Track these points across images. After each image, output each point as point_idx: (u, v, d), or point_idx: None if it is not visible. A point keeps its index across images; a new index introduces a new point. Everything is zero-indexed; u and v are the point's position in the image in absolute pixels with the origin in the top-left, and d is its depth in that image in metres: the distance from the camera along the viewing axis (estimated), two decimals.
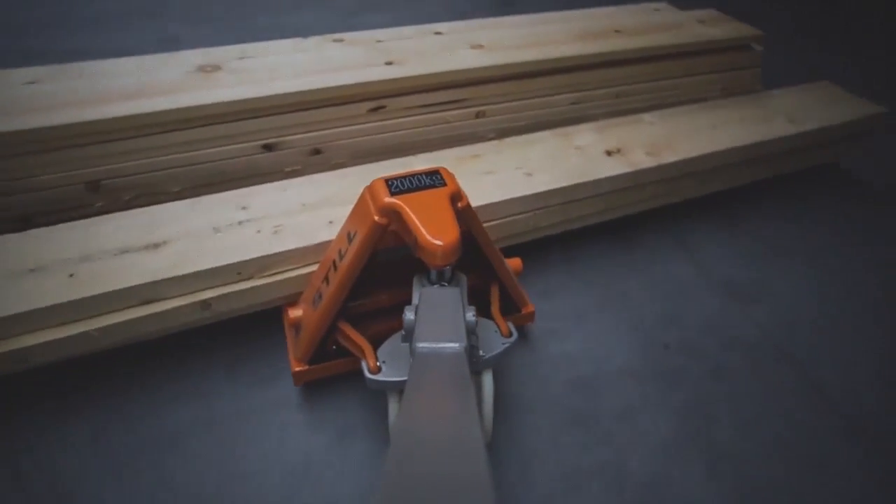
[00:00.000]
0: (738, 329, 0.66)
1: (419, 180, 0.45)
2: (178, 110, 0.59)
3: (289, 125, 0.65)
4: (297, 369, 0.54)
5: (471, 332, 0.42)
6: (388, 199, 0.43)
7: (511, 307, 0.60)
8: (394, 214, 0.43)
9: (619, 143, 0.75)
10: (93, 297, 0.50)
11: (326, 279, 0.50)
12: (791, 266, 0.75)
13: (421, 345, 0.38)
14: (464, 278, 0.46)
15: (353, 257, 0.46)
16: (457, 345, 0.38)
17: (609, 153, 0.73)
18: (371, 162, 0.68)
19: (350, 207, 0.60)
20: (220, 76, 0.67)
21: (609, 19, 0.87)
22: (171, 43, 1.25)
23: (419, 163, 0.68)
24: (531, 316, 0.62)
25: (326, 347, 0.53)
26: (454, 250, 0.40)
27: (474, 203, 0.60)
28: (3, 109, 0.63)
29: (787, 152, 0.83)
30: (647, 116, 0.82)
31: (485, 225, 0.61)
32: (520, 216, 0.66)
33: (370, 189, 0.45)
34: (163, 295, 0.53)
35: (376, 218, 0.43)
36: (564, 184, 0.67)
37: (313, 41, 0.81)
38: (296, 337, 0.56)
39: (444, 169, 0.47)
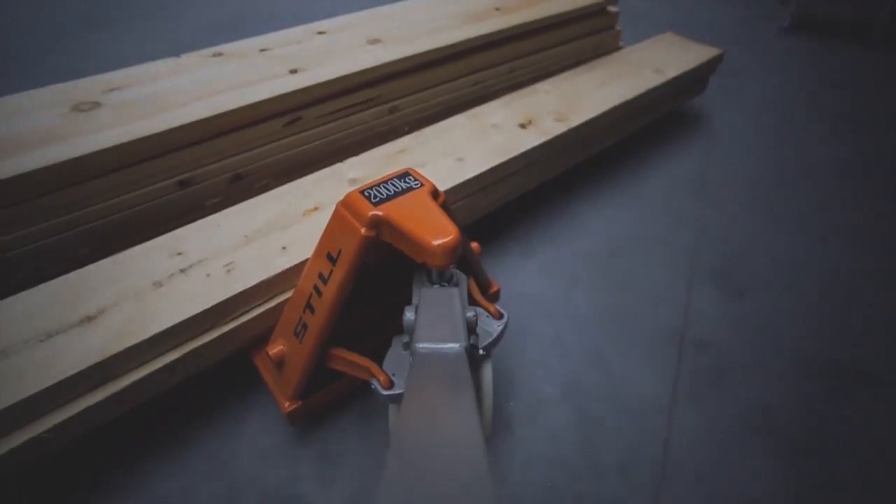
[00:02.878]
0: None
1: (395, 185, 0.44)
2: (72, 161, 0.51)
3: (203, 155, 0.59)
4: (291, 408, 0.51)
5: (471, 331, 0.42)
6: (374, 211, 0.42)
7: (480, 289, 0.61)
8: (383, 224, 0.42)
9: (528, 115, 0.79)
10: (31, 398, 0.42)
11: (309, 307, 0.47)
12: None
13: (421, 345, 0.38)
14: (464, 278, 0.47)
15: (343, 277, 0.44)
16: (457, 345, 0.38)
17: (523, 126, 0.77)
18: (297, 178, 0.64)
19: (298, 229, 0.57)
20: (102, 113, 0.58)
21: None
22: None
23: (351, 168, 0.66)
24: (497, 294, 0.64)
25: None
26: (457, 248, 0.40)
27: None
28: None
29: (655, 101, 0.94)
30: (541, 86, 0.87)
31: None
32: (463, 201, 0.67)
33: (346, 204, 0.43)
34: (117, 372, 0.46)
35: (364, 231, 0.42)
36: (494, 163, 0.69)
37: (189, 59, 0.73)
38: (279, 375, 0.52)
39: (413, 168, 0.47)
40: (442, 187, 0.63)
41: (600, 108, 0.81)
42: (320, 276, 0.46)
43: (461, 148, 0.71)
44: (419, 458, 0.27)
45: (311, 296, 0.47)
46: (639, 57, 0.99)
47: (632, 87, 0.88)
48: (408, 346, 0.45)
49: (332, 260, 0.44)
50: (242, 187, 0.64)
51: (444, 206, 0.46)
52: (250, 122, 0.61)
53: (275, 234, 0.57)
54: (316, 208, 0.60)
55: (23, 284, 0.51)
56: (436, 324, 0.40)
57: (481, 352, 0.48)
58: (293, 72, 0.66)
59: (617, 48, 1.03)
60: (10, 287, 0.52)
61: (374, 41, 0.75)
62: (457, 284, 0.44)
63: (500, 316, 0.51)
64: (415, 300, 0.44)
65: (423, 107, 0.78)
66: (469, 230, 0.68)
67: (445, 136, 0.74)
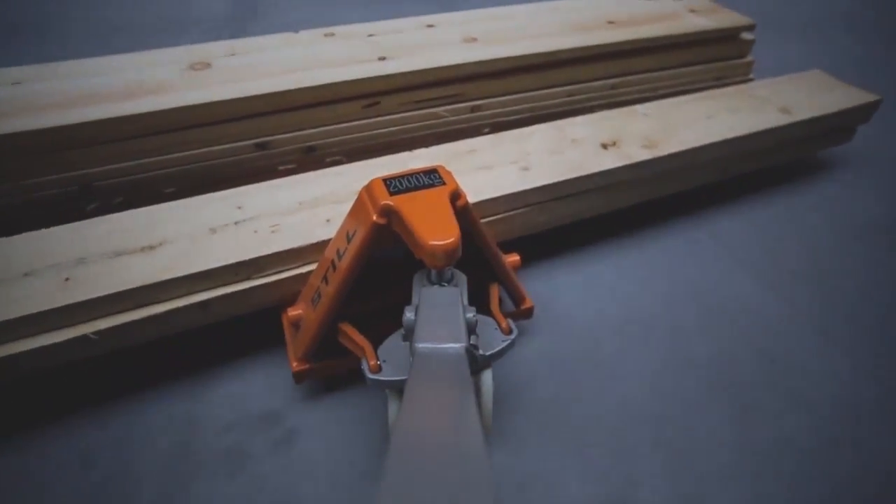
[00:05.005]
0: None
1: (418, 179, 0.45)
2: (169, 111, 0.58)
3: (281, 124, 0.65)
4: (298, 369, 0.54)
5: (471, 331, 0.42)
6: (387, 200, 0.43)
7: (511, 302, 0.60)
8: (393, 215, 0.43)
9: (615, 135, 0.75)
10: (89, 301, 0.50)
11: (325, 279, 0.50)
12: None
13: (421, 345, 0.38)
14: (464, 278, 0.46)
15: (353, 258, 0.46)
16: (457, 345, 0.38)
17: (605, 146, 0.73)
18: (366, 159, 0.67)
19: (347, 206, 0.60)
20: (210, 74, 0.66)
21: (602, 9, 0.87)
22: None
23: (415, 159, 0.68)
24: (530, 311, 0.63)
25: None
26: (454, 251, 0.40)
27: (470, 199, 0.60)
28: None
29: (778, 144, 0.83)
30: (641, 108, 0.82)
31: (481, 221, 0.61)
32: (516, 212, 0.66)
33: (368, 189, 0.45)
34: (159, 298, 0.52)
35: (375, 218, 0.43)
36: (560, 178, 0.67)
37: (304, 36, 0.80)
38: (295, 336, 0.56)
39: (442, 167, 0.47)
40: (495, 194, 0.63)
41: (698, 141, 0.74)
42: (338, 251, 0.48)
43: (531, 158, 0.70)
44: (419, 457, 0.27)
45: (328, 269, 0.49)
46: (769, 92, 0.89)
47: (745, 124, 0.79)
48: (407, 337, 0.46)
49: (349, 239, 0.47)
50: (315, 159, 0.69)
51: (465, 211, 0.46)
52: (328, 100, 0.65)
53: (325, 206, 0.60)
54: None
55: (115, 209, 0.60)
56: (436, 324, 0.41)
57: (481, 352, 0.47)
58: (382, 59, 0.69)
59: (746, 80, 0.93)
60: (106, 210, 0.61)
61: (471, 39, 0.76)
62: (457, 285, 0.44)
63: (510, 332, 0.50)
64: (415, 300, 0.44)
65: (508, 111, 0.77)
66: (520, 243, 0.66)
67: (521, 143, 0.72)
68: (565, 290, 0.70)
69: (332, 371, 0.56)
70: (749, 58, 0.91)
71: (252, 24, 1.34)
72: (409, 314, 0.43)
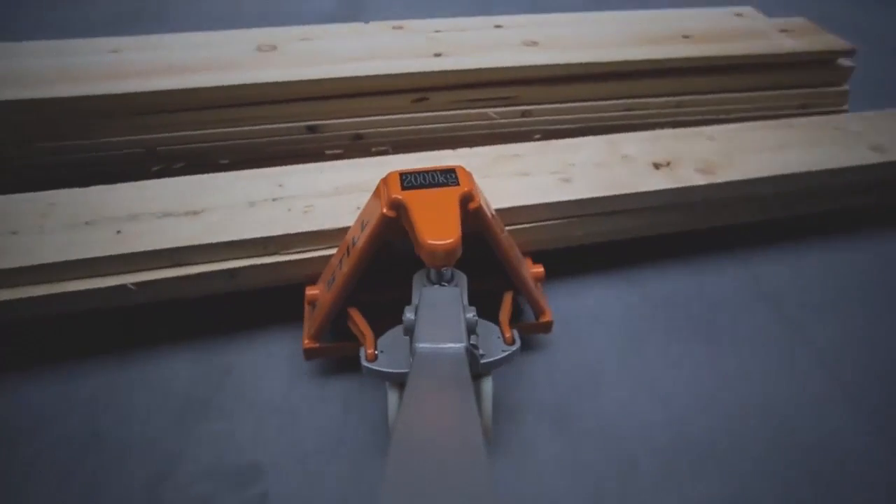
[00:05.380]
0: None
1: (433, 177, 0.45)
2: (226, 87, 0.63)
3: (332, 109, 0.67)
4: (308, 346, 0.57)
5: (471, 331, 0.42)
6: (397, 194, 0.44)
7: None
8: (402, 209, 0.44)
9: (671, 155, 0.71)
10: (133, 254, 0.55)
11: (341, 262, 0.52)
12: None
13: (421, 345, 0.39)
14: (464, 278, 0.46)
15: (363, 246, 0.47)
16: (457, 345, 0.38)
17: (657, 166, 0.70)
18: (410, 152, 0.68)
19: None
20: (274, 56, 0.70)
21: (680, 22, 0.82)
22: None
23: (457, 157, 0.68)
24: (549, 326, 0.61)
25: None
26: (453, 252, 0.40)
27: (501, 204, 0.60)
28: (86, 74, 0.69)
29: (861, 186, 0.75)
30: (707, 130, 0.77)
31: (510, 228, 0.61)
32: (550, 222, 0.64)
33: (385, 181, 0.46)
34: (193, 260, 0.56)
35: (385, 210, 0.44)
36: (600, 194, 0.64)
37: (372, 27, 0.82)
38: (310, 315, 0.58)
39: (462, 168, 0.47)
40: (528, 201, 0.62)
41: (761, 171, 0.69)
42: (353, 238, 0.50)
43: (575, 169, 0.68)
44: (418, 458, 0.28)
45: (345, 252, 0.51)
46: (862, 126, 0.80)
47: (822, 158, 0.72)
48: (408, 331, 0.46)
49: (363, 227, 0.48)
50: (361, 147, 0.71)
51: (478, 214, 0.45)
52: (376, 91, 0.67)
53: (358, 193, 0.62)
54: None
55: (174, 173, 0.65)
56: (436, 324, 0.41)
57: (481, 352, 0.46)
58: (437, 55, 0.70)
59: (839, 110, 0.85)
60: (167, 173, 0.67)
61: (531, 43, 0.75)
62: (457, 285, 0.44)
63: (512, 342, 0.49)
64: (415, 299, 0.45)
65: (561, 119, 0.76)
66: (548, 255, 0.65)
67: (568, 153, 0.70)
68: (599, 353, 0.61)
69: (338, 353, 0.58)
70: (844, 86, 0.83)
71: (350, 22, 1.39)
72: (408, 314, 0.43)
